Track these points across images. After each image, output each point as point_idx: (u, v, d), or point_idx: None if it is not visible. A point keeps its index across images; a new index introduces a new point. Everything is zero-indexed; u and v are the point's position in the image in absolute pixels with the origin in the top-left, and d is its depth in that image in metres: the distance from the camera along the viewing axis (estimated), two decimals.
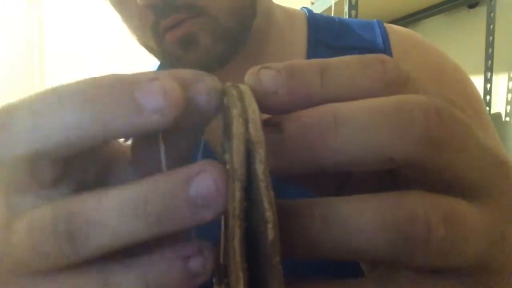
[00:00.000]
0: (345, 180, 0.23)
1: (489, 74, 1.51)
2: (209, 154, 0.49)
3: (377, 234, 0.15)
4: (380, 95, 0.17)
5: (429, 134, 0.16)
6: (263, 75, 0.18)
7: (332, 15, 1.44)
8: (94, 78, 0.16)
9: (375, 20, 0.56)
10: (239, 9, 0.44)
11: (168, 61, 0.47)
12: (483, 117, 0.53)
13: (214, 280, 0.23)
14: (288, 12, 0.55)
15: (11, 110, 0.16)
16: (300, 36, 0.53)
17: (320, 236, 0.16)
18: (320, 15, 0.57)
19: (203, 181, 0.16)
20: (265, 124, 0.18)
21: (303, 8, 0.57)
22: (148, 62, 0.62)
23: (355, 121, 0.16)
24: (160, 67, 0.58)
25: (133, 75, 0.16)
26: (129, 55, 3.33)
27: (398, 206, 0.16)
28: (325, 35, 0.53)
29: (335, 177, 0.23)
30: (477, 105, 0.53)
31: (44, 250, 0.16)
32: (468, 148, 0.17)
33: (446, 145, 0.16)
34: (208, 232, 0.21)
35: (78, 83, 0.15)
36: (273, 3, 0.54)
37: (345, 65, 0.17)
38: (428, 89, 0.19)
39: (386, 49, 0.52)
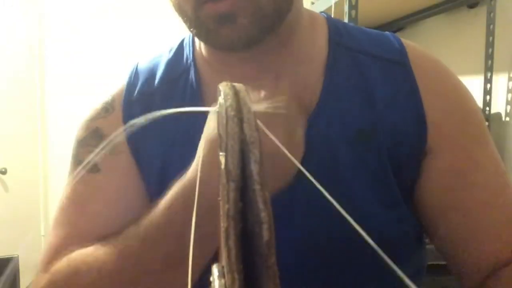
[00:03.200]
0: None
1: (489, 74, 1.50)
2: None
3: None
4: None
5: None
6: None
7: (332, 15, 1.44)
8: None
9: (387, 32, 0.59)
10: (279, 0, 0.47)
11: (198, 30, 0.48)
12: (485, 133, 0.56)
13: (211, 280, 0.23)
14: (311, 14, 0.58)
15: None
16: (321, 37, 0.55)
17: None
18: (337, 19, 0.59)
19: None
20: None
21: (322, 13, 0.60)
22: (142, 61, 0.62)
23: None
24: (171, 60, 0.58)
25: None
26: (129, 55, 3.33)
27: None
28: (344, 38, 0.56)
29: None
30: (481, 123, 0.56)
31: None
32: None
33: None
34: None
35: None
36: (302, 4, 0.56)
37: None
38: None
39: (403, 56, 0.55)
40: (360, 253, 0.50)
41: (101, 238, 0.48)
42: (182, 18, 0.49)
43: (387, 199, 0.51)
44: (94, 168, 0.54)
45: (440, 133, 0.52)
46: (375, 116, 0.51)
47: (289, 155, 0.34)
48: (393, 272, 0.53)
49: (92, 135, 0.55)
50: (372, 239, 0.50)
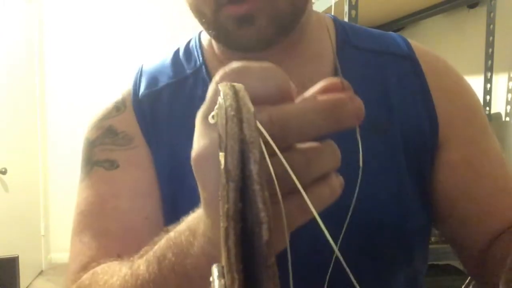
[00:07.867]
0: None
1: (489, 74, 1.50)
2: None
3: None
4: None
5: None
6: None
7: (332, 15, 1.43)
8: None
9: (392, 32, 0.61)
10: (296, 1, 0.48)
11: (216, 32, 0.49)
12: (488, 125, 0.58)
13: (211, 279, 0.23)
14: (318, 15, 0.59)
15: None
16: (329, 36, 0.57)
17: None
18: (343, 20, 0.61)
19: None
20: None
21: (328, 14, 0.61)
22: (147, 62, 0.62)
23: None
24: (171, 65, 0.59)
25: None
26: (129, 55, 3.33)
27: None
28: (351, 37, 0.57)
29: None
30: (484, 116, 0.58)
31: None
32: None
33: None
34: None
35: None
36: (312, 5, 0.57)
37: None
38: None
39: (411, 53, 0.56)
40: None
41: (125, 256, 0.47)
42: (200, 20, 0.50)
43: (399, 190, 0.52)
44: (113, 165, 0.54)
45: (450, 127, 0.54)
46: (389, 109, 0.53)
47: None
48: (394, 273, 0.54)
49: (105, 134, 0.55)
50: (384, 228, 0.52)
